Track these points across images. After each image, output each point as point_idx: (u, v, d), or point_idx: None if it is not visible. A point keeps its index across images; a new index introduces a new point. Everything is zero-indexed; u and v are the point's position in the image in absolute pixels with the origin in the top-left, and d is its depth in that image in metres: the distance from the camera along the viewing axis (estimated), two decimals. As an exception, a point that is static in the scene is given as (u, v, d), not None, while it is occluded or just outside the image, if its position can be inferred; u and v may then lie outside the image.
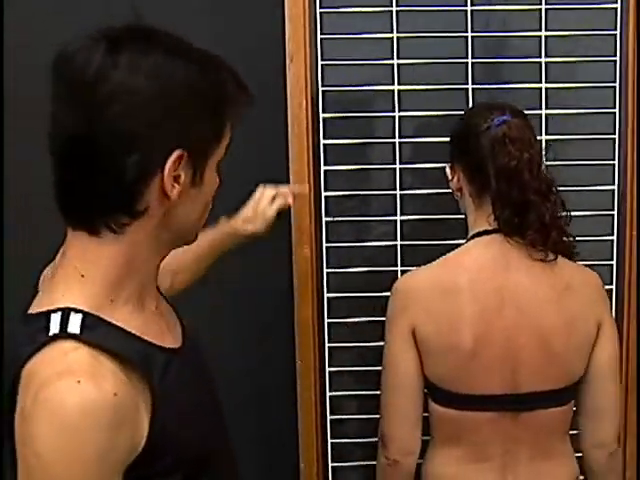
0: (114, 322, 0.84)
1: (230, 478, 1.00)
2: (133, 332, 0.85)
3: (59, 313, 0.81)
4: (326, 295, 1.67)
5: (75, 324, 0.79)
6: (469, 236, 1.33)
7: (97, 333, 0.80)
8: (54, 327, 0.79)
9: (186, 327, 0.99)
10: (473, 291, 1.25)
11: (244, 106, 0.91)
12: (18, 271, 0.92)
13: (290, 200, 1.46)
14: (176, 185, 0.84)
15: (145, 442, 0.79)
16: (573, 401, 1.31)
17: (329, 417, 1.64)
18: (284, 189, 1.46)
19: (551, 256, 1.26)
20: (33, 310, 0.84)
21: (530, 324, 1.24)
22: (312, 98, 1.60)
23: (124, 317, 0.86)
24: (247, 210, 1.42)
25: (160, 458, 0.81)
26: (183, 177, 0.85)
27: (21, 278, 0.90)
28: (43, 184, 0.87)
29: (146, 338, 0.86)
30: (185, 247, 0.98)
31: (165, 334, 0.92)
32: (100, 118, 0.80)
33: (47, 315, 0.81)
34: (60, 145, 0.83)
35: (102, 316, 0.83)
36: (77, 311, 0.81)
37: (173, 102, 0.82)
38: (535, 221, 1.23)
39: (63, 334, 0.79)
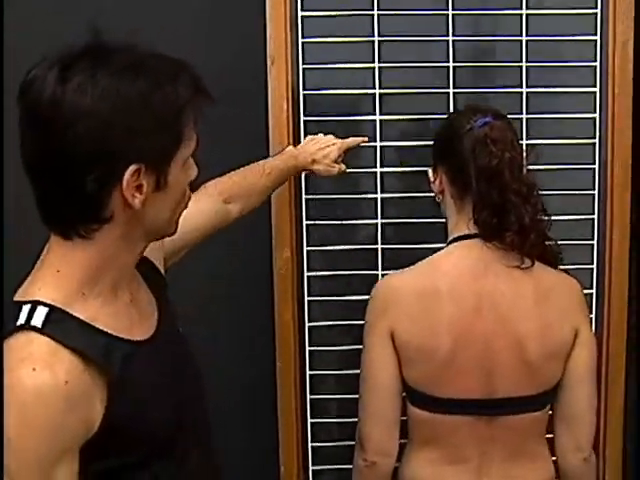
0: (81, 317, 0.91)
1: (201, 467, 1.04)
2: (98, 326, 0.92)
3: (29, 305, 0.89)
4: (306, 298, 1.65)
5: (39, 317, 0.87)
6: (449, 240, 1.31)
7: (60, 327, 0.88)
8: (22, 318, 0.88)
9: (164, 316, 1.03)
10: (452, 296, 1.24)
11: (205, 105, 0.93)
12: (18, 270, 0.95)
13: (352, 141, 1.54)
14: (137, 195, 0.89)
15: (100, 424, 0.88)
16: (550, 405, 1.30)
17: (309, 420, 1.62)
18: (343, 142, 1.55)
19: (528, 262, 1.24)
20: (16, 298, 0.92)
21: (507, 330, 1.23)
22: (293, 101, 1.58)
23: (94, 310, 0.93)
24: (314, 150, 1.50)
25: (114, 437, 0.89)
26: (145, 185, 0.90)
27: (20, 277, 0.94)
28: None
29: (110, 331, 0.92)
30: (244, 174, 1.31)
31: (135, 325, 0.98)
32: (57, 142, 0.85)
33: (20, 305, 0.89)
34: (27, 163, 0.90)
35: (70, 311, 0.91)
36: (45, 305, 0.89)
37: (125, 120, 0.87)
38: (514, 223, 1.21)
39: (26, 325, 0.87)
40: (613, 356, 1.67)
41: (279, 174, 1.47)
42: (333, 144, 1.53)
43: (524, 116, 1.62)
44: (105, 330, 0.90)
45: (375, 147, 1.62)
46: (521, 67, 1.58)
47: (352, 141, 1.57)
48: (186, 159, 0.93)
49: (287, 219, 1.62)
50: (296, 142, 1.60)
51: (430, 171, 1.35)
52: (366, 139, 1.60)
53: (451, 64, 1.59)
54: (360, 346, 1.27)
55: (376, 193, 1.63)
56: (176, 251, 1.19)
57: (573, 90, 1.58)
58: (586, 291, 1.60)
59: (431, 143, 1.36)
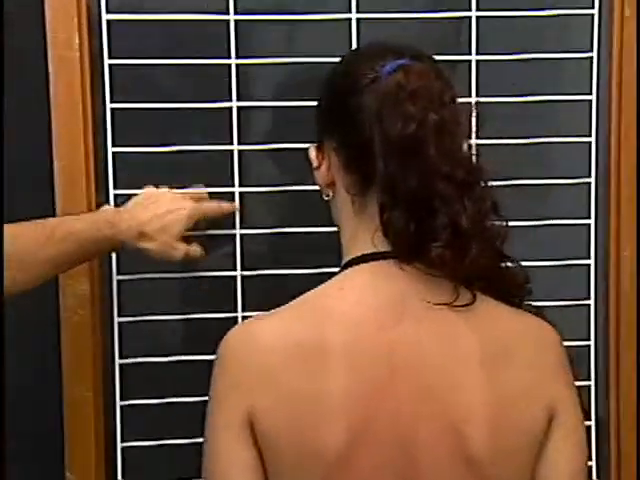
0: None
1: None
2: None
3: None
4: (117, 361, 1.63)
5: None
6: (344, 263, 1.27)
7: None
8: None
9: None
10: (347, 356, 1.18)
11: None
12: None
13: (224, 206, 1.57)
14: None
15: None
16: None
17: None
18: (201, 192, 1.58)
19: (466, 296, 1.20)
20: None
21: (436, 410, 1.19)
22: (90, 33, 1.57)
23: None
24: (145, 217, 1.50)
25: None
26: None
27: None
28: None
29: None
30: (15, 230, 1.35)
31: None
32: None
33: None
34: None
35: None
36: None
37: None
38: (444, 227, 1.16)
39: None
40: (627, 445, 1.66)
41: (80, 245, 1.44)
42: (182, 209, 1.50)
43: (473, 57, 1.59)
44: None
45: (230, 109, 1.57)
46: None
47: (217, 207, 1.55)
48: None
49: None
50: (96, 107, 1.54)
51: (312, 150, 1.31)
52: (236, 206, 1.59)
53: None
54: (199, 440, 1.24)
55: (232, 186, 1.59)
56: None
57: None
58: (578, 342, 1.62)
59: (314, 104, 1.32)
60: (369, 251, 1.23)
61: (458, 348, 1.21)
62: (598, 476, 1.69)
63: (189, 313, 1.63)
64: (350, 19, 1.59)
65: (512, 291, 1.26)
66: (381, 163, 1.18)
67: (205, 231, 1.58)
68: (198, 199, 1.54)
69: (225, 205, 1.57)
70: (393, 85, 1.19)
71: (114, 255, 1.61)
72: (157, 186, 1.54)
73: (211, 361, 1.25)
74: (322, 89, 1.31)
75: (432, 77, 1.22)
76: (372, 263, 1.22)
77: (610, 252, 1.64)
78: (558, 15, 1.61)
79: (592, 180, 1.64)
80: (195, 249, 1.53)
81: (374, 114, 1.19)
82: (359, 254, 1.24)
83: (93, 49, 1.56)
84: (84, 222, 1.46)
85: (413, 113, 1.17)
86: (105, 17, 1.54)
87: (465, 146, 1.22)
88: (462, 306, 1.19)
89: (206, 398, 1.24)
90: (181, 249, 1.50)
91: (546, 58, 1.62)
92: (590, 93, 1.62)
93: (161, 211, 1.49)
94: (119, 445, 1.65)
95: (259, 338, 1.22)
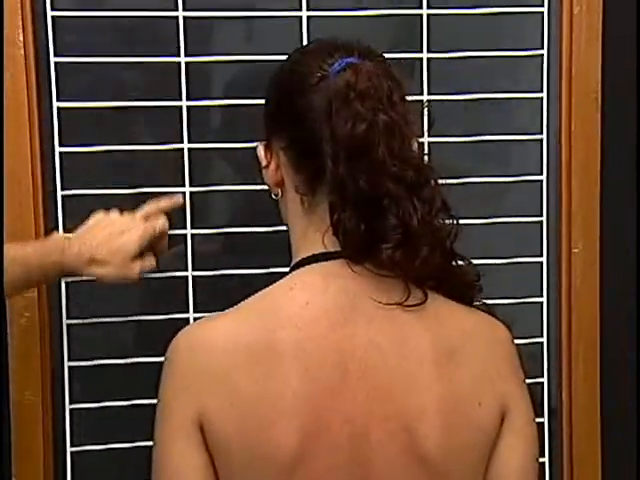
0: None
1: None
2: None
3: None
4: (67, 364, 1.62)
5: None
6: (294, 263, 1.26)
7: None
8: None
9: None
10: (298, 357, 1.18)
11: None
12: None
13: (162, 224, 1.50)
14: None
15: None
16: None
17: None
18: (150, 209, 1.50)
19: (418, 295, 1.20)
20: None
21: (388, 409, 1.19)
22: (35, 28, 1.53)
23: None
24: (95, 242, 1.46)
25: None
26: None
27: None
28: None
29: None
30: None
31: None
32: None
33: None
34: None
35: None
36: None
37: None
38: (394, 228, 1.16)
39: None
40: (579, 440, 1.69)
41: (26, 271, 1.41)
42: (134, 228, 1.47)
43: (424, 55, 1.60)
44: None
45: (180, 108, 1.57)
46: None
47: (162, 225, 1.50)
48: None
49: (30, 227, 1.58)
50: (42, 105, 1.52)
51: (260, 148, 1.30)
52: (180, 200, 1.56)
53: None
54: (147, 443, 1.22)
55: (182, 185, 1.59)
56: None
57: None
58: (531, 340, 1.65)
59: (262, 102, 1.30)
60: (319, 251, 1.23)
61: (410, 347, 1.21)
62: (550, 471, 1.70)
63: (139, 314, 1.62)
64: (301, 17, 1.58)
65: (463, 289, 1.26)
66: (330, 163, 1.18)
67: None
68: (148, 217, 1.51)
69: (158, 224, 1.52)
70: (342, 84, 1.19)
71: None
72: (107, 209, 1.53)
73: (162, 363, 1.24)
74: (269, 87, 1.31)
75: (381, 76, 1.21)
76: (322, 263, 1.22)
77: (562, 249, 1.66)
78: (509, 13, 1.61)
79: (543, 178, 1.65)
80: (150, 261, 1.50)
81: (323, 113, 1.19)
82: (309, 254, 1.24)
83: (38, 46, 1.54)
84: (32, 248, 1.44)
85: (362, 113, 1.17)
86: (50, 13, 1.51)
87: (415, 145, 1.22)
88: (413, 305, 1.20)
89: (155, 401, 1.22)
90: (136, 267, 1.47)
91: (498, 56, 1.62)
92: (541, 91, 1.62)
93: (112, 234, 1.47)
94: (68, 450, 1.63)
95: (209, 339, 1.22)
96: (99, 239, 1.46)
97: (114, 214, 1.49)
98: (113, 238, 1.46)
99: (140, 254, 1.47)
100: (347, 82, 1.18)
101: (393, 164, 1.16)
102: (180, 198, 1.56)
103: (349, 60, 1.20)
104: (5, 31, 1.50)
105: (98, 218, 1.49)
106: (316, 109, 1.20)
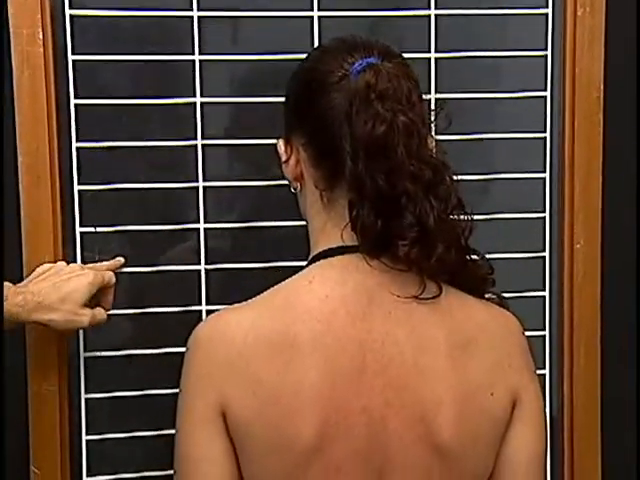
0: None
1: None
2: None
3: None
4: (82, 355, 1.60)
5: None
6: (312, 256, 1.26)
7: None
8: None
9: None
10: (318, 349, 1.18)
11: None
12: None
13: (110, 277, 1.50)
14: None
15: None
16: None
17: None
18: (97, 265, 1.51)
19: (432, 289, 1.21)
20: None
21: (405, 400, 1.19)
22: (53, 28, 1.53)
23: None
24: (43, 288, 1.42)
25: None
26: None
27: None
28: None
29: None
30: None
31: None
32: None
33: None
34: None
35: None
36: None
37: None
38: (411, 226, 1.17)
39: None
40: (580, 432, 1.69)
41: None
42: (82, 275, 1.45)
43: (432, 55, 1.61)
44: None
45: (194, 104, 1.56)
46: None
47: (109, 277, 1.50)
48: None
49: (48, 224, 1.57)
50: (60, 102, 1.51)
51: (280, 143, 1.30)
52: (121, 261, 1.56)
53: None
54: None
55: (196, 181, 1.59)
56: None
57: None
58: (533, 333, 1.65)
59: (282, 100, 1.31)
60: (337, 245, 1.23)
61: (425, 339, 1.21)
62: (552, 461, 1.72)
63: (151, 306, 1.62)
64: (312, 17, 1.59)
65: (476, 283, 1.27)
66: (349, 161, 1.18)
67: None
68: (94, 269, 1.49)
69: (115, 263, 1.55)
70: (362, 85, 1.18)
71: (78, 249, 1.60)
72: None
73: (175, 354, 1.25)
74: (290, 84, 1.31)
75: (401, 77, 1.21)
76: (340, 257, 1.23)
77: (564, 244, 1.67)
78: (514, 14, 1.63)
79: (547, 175, 1.67)
80: (101, 312, 1.47)
81: (343, 113, 1.19)
82: (327, 247, 1.25)
83: (57, 44, 1.55)
84: None
85: (382, 114, 1.17)
86: (68, 12, 1.52)
87: (432, 143, 1.23)
88: (428, 298, 1.20)
89: (171, 390, 1.22)
90: (86, 314, 1.44)
91: (503, 56, 1.64)
92: (545, 90, 1.64)
93: (60, 280, 1.44)
94: (84, 438, 1.64)
95: (229, 330, 1.21)
96: (46, 285, 1.42)
97: (61, 263, 1.48)
98: (62, 284, 1.43)
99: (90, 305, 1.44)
100: (367, 83, 1.18)
101: (411, 164, 1.17)
102: (121, 260, 1.55)
103: (369, 60, 1.20)
104: (24, 30, 1.51)
105: (46, 266, 1.47)
106: (336, 108, 1.20)
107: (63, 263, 1.48)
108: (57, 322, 1.42)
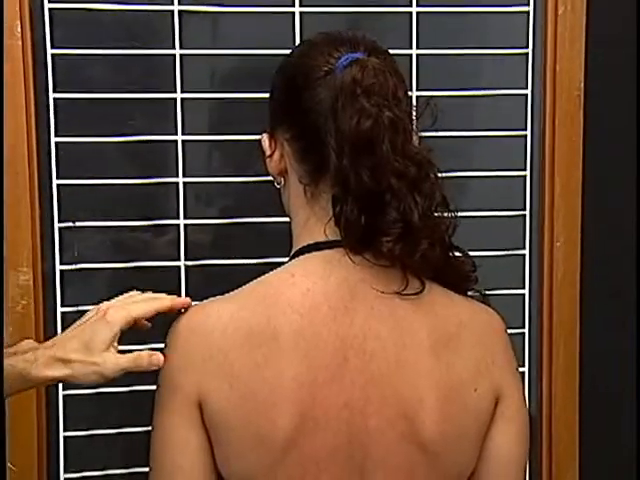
0: None
1: None
2: None
3: None
4: None
5: None
6: (294, 251, 1.26)
7: None
8: None
9: None
10: (299, 343, 1.18)
11: None
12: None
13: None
14: None
15: None
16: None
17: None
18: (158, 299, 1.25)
19: (416, 285, 1.21)
20: None
21: (387, 396, 1.19)
22: (32, 22, 1.52)
23: None
24: (58, 339, 1.20)
25: None
26: None
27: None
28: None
29: None
30: None
31: None
32: None
33: None
34: None
35: None
36: None
37: None
38: (395, 222, 1.17)
39: None
40: (559, 429, 1.71)
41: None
42: (100, 311, 1.20)
43: (414, 52, 1.62)
44: None
45: (174, 100, 1.56)
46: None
47: (161, 302, 1.24)
48: None
49: (26, 220, 1.57)
50: (40, 102, 1.51)
51: (265, 138, 1.30)
52: (189, 302, 1.24)
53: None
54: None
55: (175, 176, 1.59)
56: None
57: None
58: (513, 331, 1.63)
59: (263, 96, 1.30)
60: (320, 240, 1.23)
61: (408, 335, 1.21)
62: (530, 458, 1.72)
63: None
64: (294, 12, 1.59)
65: (459, 280, 1.27)
66: (334, 156, 1.18)
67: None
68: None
69: (177, 301, 1.26)
70: (348, 80, 1.18)
71: (57, 245, 1.60)
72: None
73: (155, 349, 1.22)
74: (275, 78, 1.31)
75: (387, 72, 1.21)
76: (323, 252, 1.23)
77: (544, 242, 1.68)
78: (495, 12, 1.64)
79: (527, 173, 1.68)
80: (140, 356, 1.21)
81: (329, 108, 1.19)
82: (310, 242, 1.24)
83: (36, 38, 1.54)
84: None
85: (368, 110, 1.17)
86: (47, 6, 1.51)
87: (416, 140, 1.22)
88: (411, 294, 1.20)
89: (149, 387, 1.21)
90: (108, 362, 1.19)
91: (484, 54, 1.65)
92: (526, 88, 1.65)
93: (77, 328, 1.21)
94: (61, 434, 1.63)
95: (209, 322, 1.22)
96: (63, 337, 1.21)
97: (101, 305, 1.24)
98: (78, 331, 1.20)
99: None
100: (353, 78, 1.18)
101: (396, 160, 1.17)
102: (184, 302, 1.26)
103: (355, 55, 1.20)
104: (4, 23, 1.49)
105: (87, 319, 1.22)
106: (322, 103, 1.20)
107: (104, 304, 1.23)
108: (72, 377, 1.18)
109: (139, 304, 1.24)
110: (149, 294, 1.27)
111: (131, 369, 1.19)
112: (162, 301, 1.25)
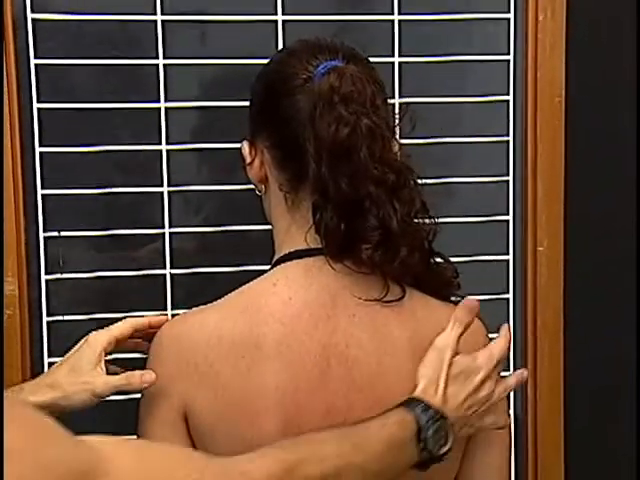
0: None
1: None
2: None
3: None
4: (47, 360, 1.57)
5: None
6: (276, 259, 1.25)
7: None
8: None
9: None
10: (281, 351, 1.17)
11: None
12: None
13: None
14: None
15: None
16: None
17: None
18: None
19: (396, 292, 1.19)
20: None
21: (369, 403, 1.18)
22: (15, 32, 1.51)
23: None
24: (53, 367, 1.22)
25: None
26: None
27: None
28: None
29: None
30: None
31: None
32: None
33: None
34: None
35: None
36: None
37: None
38: (374, 229, 1.16)
39: None
40: (544, 432, 1.72)
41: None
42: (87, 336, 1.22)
43: (396, 59, 1.62)
44: None
45: (158, 110, 1.56)
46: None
47: (139, 322, 1.28)
48: None
49: (12, 230, 1.55)
50: (22, 107, 1.50)
51: (245, 145, 1.28)
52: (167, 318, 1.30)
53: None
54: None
55: (160, 186, 1.59)
56: None
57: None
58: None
59: (247, 104, 1.28)
60: (301, 247, 1.22)
61: (389, 342, 1.21)
62: (515, 462, 1.72)
63: (118, 312, 1.58)
64: (276, 21, 1.58)
65: (441, 286, 1.26)
66: (313, 164, 1.17)
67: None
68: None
69: (155, 318, 1.29)
70: (326, 88, 1.18)
71: (42, 254, 1.59)
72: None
73: (139, 359, 1.24)
74: (254, 86, 1.29)
75: (365, 80, 1.20)
76: (304, 259, 1.22)
77: (527, 247, 1.68)
78: (477, 19, 1.64)
79: (510, 178, 1.68)
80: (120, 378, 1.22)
81: (307, 116, 1.18)
82: (291, 250, 1.24)
83: (19, 48, 1.54)
84: None
85: (346, 117, 1.17)
86: (30, 16, 1.51)
87: (396, 147, 1.22)
88: (392, 301, 1.19)
89: (134, 396, 1.20)
90: (97, 380, 1.21)
91: (466, 60, 1.65)
92: (508, 94, 1.65)
93: (63, 359, 1.23)
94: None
95: (194, 331, 1.21)
96: (56, 365, 1.23)
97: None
98: (67, 356, 1.24)
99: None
100: (331, 86, 1.17)
101: (374, 167, 1.17)
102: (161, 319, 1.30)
103: (334, 63, 1.20)
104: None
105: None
106: (300, 111, 1.19)
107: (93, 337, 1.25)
108: (62, 398, 1.20)
109: (118, 324, 1.26)
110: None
111: (123, 387, 1.20)
112: (140, 319, 1.28)
